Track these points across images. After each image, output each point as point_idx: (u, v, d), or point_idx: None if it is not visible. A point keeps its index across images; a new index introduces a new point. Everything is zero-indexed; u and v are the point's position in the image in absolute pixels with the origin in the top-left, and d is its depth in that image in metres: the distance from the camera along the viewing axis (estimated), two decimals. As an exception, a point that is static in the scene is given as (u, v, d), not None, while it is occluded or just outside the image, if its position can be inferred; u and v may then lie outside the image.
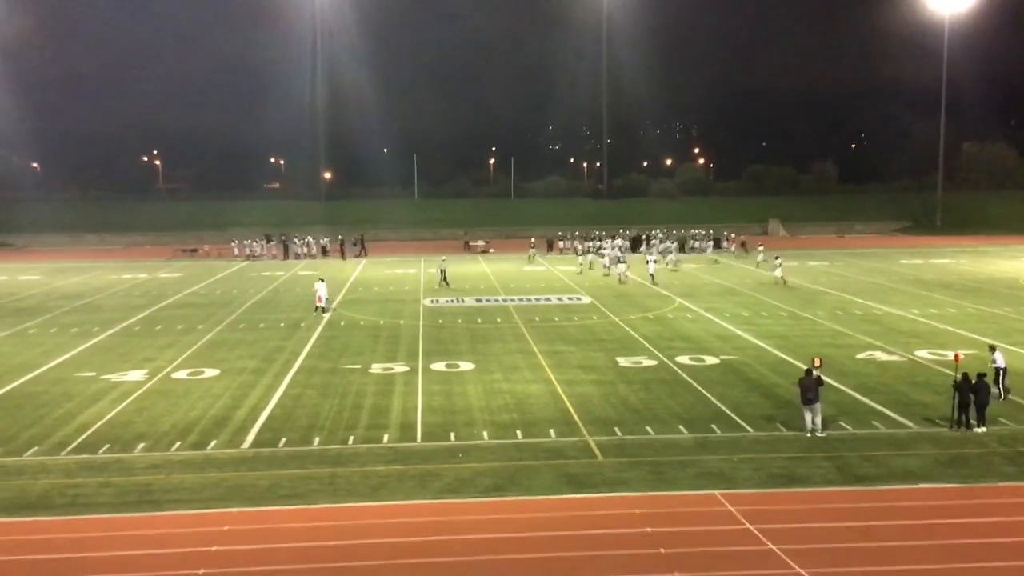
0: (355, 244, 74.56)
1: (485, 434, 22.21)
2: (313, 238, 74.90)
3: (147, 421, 23.55)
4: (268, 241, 75.23)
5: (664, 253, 64.62)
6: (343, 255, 71.20)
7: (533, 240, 71.94)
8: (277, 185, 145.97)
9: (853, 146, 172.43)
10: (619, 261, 55.32)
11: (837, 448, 20.84)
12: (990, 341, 29.05)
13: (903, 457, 20.26)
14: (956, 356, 23.49)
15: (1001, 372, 24.69)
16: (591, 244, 69.46)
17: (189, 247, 76.60)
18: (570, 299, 45.21)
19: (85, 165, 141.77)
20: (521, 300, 44.89)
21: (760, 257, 61.90)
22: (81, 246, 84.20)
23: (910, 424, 22.74)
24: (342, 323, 38.88)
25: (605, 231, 78.66)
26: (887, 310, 40.95)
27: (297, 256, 71.90)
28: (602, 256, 61.10)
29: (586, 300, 44.83)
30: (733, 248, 73.51)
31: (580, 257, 62.85)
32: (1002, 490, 18.47)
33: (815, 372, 22.24)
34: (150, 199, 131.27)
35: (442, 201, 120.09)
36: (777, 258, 53.50)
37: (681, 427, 22.60)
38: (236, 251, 72.62)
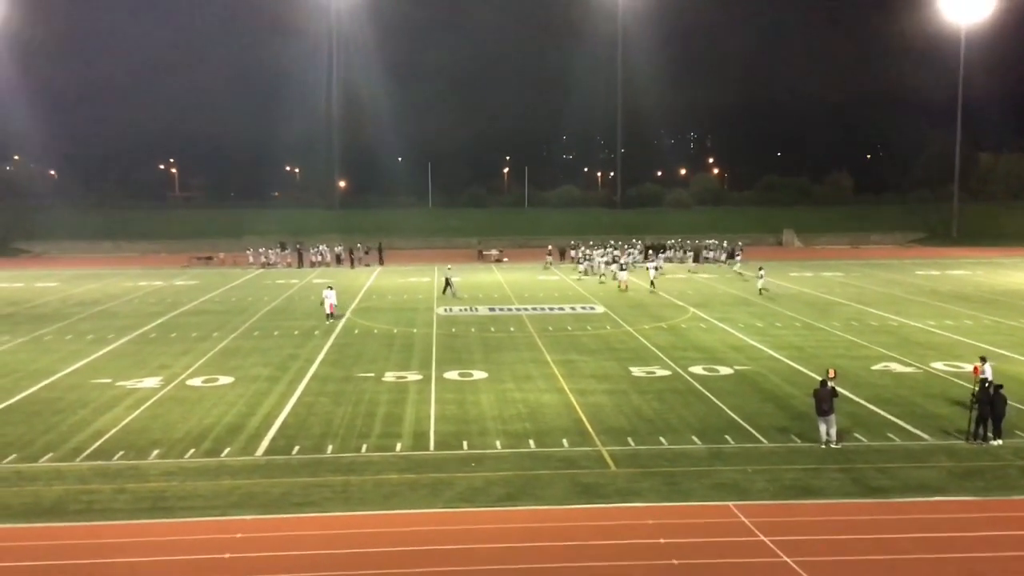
0: (366, 252, 74.79)
1: (498, 443, 22.20)
2: (327, 246, 75.13)
3: (161, 428, 23.64)
4: (283, 249, 75.51)
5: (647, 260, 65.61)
6: (352, 264, 71.48)
7: (550, 248, 72.34)
8: (277, 194, 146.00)
9: (868, 156, 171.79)
10: (621, 269, 55.91)
11: (852, 460, 20.73)
12: (987, 352, 28.86)
13: (919, 469, 20.13)
14: (975, 369, 23.30)
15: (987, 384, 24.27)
16: (584, 252, 69.62)
17: (204, 255, 76.95)
18: (583, 308, 45.17)
19: (102, 173, 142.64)
20: (534, 309, 44.88)
21: (737, 267, 62.48)
22: (97, 253, 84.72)
23: (926, 436, 22.59)
24: (356, 331, 38.96)
25: (622, 240, 78.47)
26: (903, 321, 40.74)
27: (312, 264, 72.16)
28: (593, 264, 62.24)
29: (599, 309, 44.78)
30: (724, 257, 73.38)
31: (581, 265, 63.96)
32: (1019, 503, 18.33)
33: (830, 383, 22.13)
34: (166, 207, 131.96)
35: (456, 210, 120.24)
36: (760, 268, 53.38)
37: (695, 438, 22.53)
38: (251, 259, 72.93)
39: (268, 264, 71.53)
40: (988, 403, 21.73)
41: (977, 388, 22.33)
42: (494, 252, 78.15)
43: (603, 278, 58.37)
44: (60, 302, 49.32)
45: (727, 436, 22.64)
